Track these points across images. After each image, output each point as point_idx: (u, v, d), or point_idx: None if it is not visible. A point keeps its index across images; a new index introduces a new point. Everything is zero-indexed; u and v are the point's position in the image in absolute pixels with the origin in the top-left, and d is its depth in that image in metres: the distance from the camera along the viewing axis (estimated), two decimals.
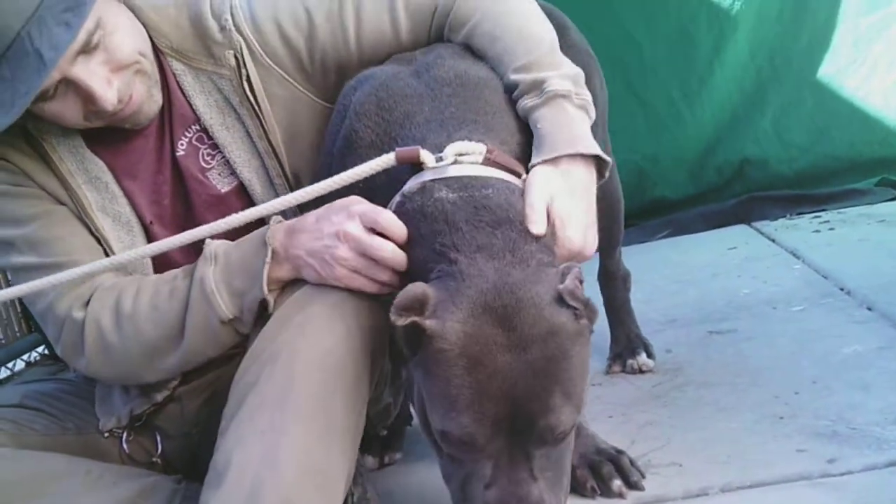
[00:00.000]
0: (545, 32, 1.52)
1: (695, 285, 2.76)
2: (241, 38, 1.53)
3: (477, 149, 1.35)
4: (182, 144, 1.57)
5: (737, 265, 2.89)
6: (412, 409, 1.97)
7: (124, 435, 1.61)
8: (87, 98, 1.42)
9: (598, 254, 2.18)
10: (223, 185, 1.58)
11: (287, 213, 1.44)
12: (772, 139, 3.60)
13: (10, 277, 1.62)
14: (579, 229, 1.36)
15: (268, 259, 1.37)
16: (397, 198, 1.36)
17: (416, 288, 1.21)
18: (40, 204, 1.52)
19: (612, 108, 3.43)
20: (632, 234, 3.50)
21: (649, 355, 2.12)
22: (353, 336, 1.31)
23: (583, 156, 1.40)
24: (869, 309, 2.23)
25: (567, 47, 1.85)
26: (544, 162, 1.38)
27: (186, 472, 1.62)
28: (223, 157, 1.57)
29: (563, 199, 1.34)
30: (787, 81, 3.58)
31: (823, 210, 3.40)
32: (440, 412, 1.21)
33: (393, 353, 1.50)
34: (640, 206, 3.62)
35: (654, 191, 3.67)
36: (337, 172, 1.37)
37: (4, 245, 1.52)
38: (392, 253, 1.31)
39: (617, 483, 1.53)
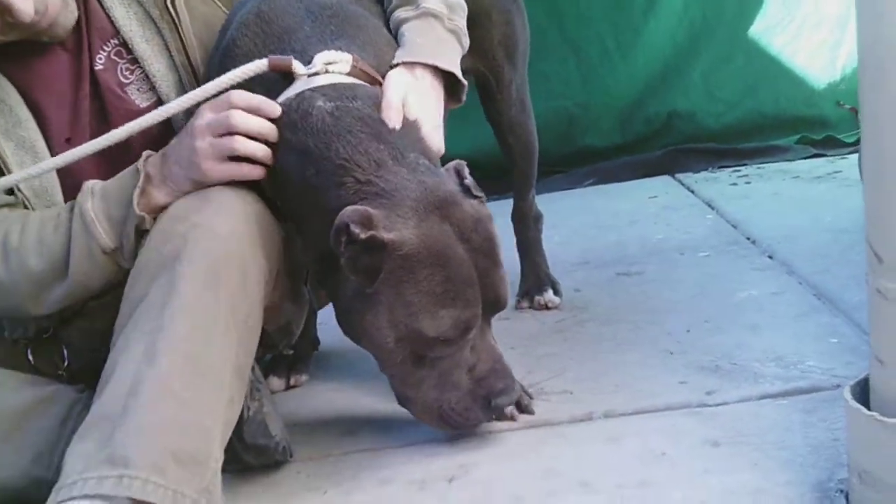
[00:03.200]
0: None
1: (612, 231, 2.83)
2: None
3: (344, 58, 1.43)
4: (101, 58, 1.58)
5: (654, 213, 2.97)
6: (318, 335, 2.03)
7: (30, 347, 1.63)
8: (3, 9, 1.40)
9: (512, 194, 2.24)
10: (142, 101, 1.59)
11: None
12: (700, 93, 3.66)
13: None
14: (429, 127, 1.46)
15: (140, 183, 1.40)
16: None
17: (357, 209, 1.30)
18: None
19: (546, 54, 3.51)
20: (559, 181, 3.57)
21: (556, 293, 2.19)
22: (241, 236, 1.35)
23: (439, 71, 1.50)
24: (770, 257, 2.33)
25: None
26: (402, 65, 1.47)
27: (92, 386, 1.65)
28: (142, 72, 1.58)
29: (413, 98, 1.44)
30: (719, 36, 3.64)
31: (744, 164, 3.47)
32: (429, 315, 1.33)
33: (291, 271, 1.54)
34: (569, 154, 3.66)
35: (584, 139, 3.71)
36: None
37: None
38: (256, 123, 1.38)
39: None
